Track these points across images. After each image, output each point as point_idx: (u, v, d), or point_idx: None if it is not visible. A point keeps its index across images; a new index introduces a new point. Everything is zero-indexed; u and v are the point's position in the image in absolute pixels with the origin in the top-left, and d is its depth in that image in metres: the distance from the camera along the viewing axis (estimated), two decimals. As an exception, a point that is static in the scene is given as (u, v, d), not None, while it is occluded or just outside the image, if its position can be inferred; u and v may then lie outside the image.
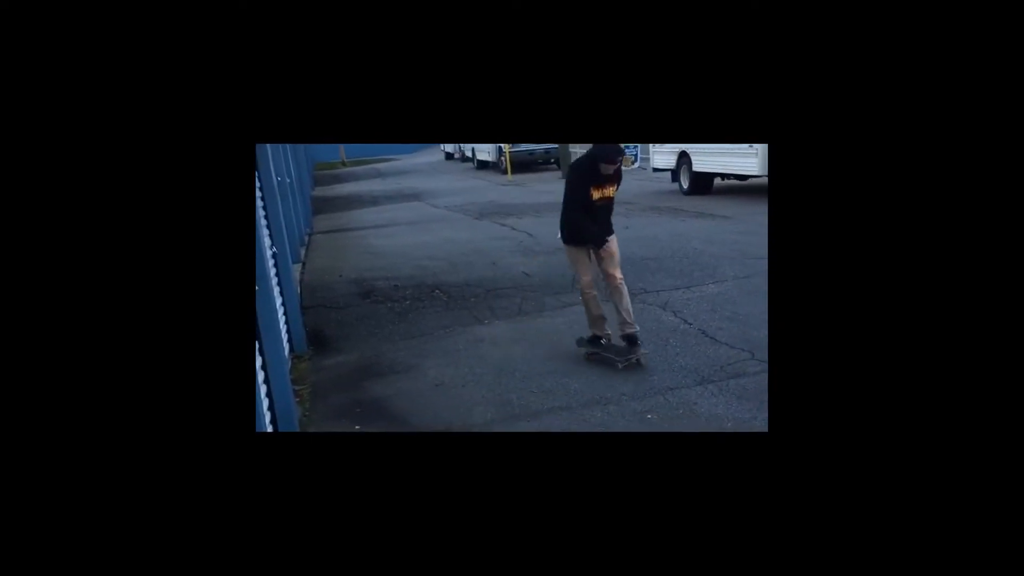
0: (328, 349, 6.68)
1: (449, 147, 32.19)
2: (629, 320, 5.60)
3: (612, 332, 5.80)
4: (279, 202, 7.19)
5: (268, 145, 7.02)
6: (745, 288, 7.40)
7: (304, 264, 10.84)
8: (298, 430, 4.73)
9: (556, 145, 21.31)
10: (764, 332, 5.87)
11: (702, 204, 13.46)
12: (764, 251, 8.61)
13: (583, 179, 5.58)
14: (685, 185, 15.26)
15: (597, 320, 5.81)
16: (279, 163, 9.26)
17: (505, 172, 22.27)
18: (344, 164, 35.07)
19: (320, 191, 22.66)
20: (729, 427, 4.36)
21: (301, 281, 9.42)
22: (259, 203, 5.78)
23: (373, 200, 19.35)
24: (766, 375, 5.00)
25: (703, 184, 14.98)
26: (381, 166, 32.14)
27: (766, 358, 5.33)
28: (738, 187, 15.38)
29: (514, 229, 12.43)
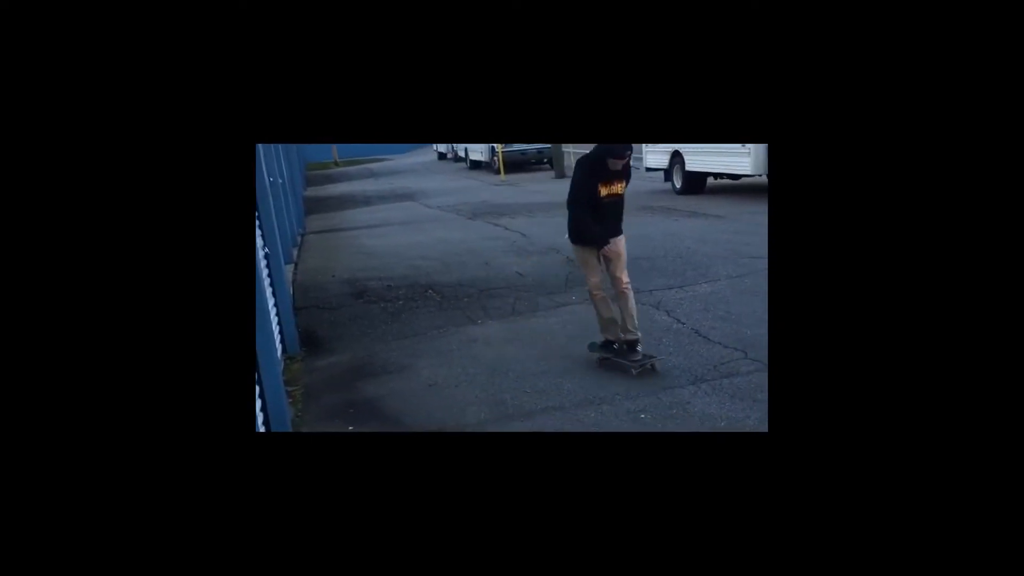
0: (321, 350, 6.67)
1: (442, 147, 32.18)
2: (632, 327, 5.46)
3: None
4: (271, 202, 7.17)
5: (260, 145, 7.00)
6: (738, 287, 7.40)
7: (297, 264, 10.82)
8: (291, 431, 4.72)
9: (549, 145, 21.31)
10: (757, 331, 5.88)
11: (695, 203, 13.48)
12: (757, 250, 8.66)
13: (590, 175, 5.35)
14: (678, 184, 15.27)
15: (608, 324, 5.60)
16: (271, 163, 9.25)
17: (498, 172, 22.26)
18: (336, 164, 35.04)
19: (312, 191, 22.63)
20: (723, 426, 4.36)
21: (294, 282, 9.40)
22: (251, 203, 5.76)
23: (366, 200, 19.32)
24: (759, 374, 5.01)
25: (696, 183, 15.00)
26: (374, 166, 32.12)
27: (759, 357, 5.34)
28: (731, 186, 15.41)
29: (507, 229, 12.42)
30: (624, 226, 5.57)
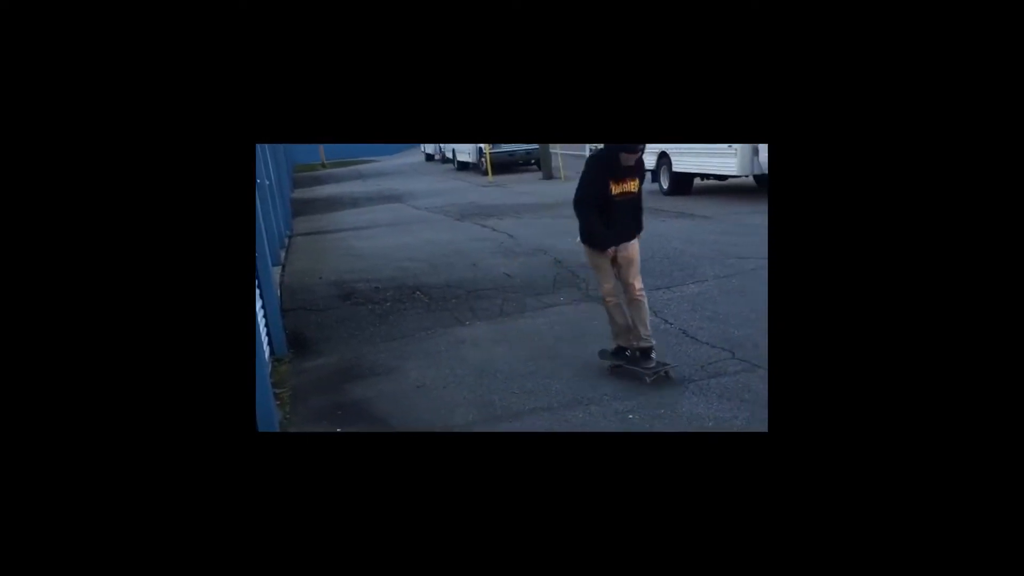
0: (308, 352, 6.65)
1: (430, 148, 32.15)
2: (646, 334, 5.23)
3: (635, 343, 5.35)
4: (258, 204, 7.15)
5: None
6: (725, 288, 7.43)
7: (284, 266, 10.79)
8: (289, 432, 4.71)
9: (536, 146, 21.31)
10: (744, 331, 5.90)
11: (682, 204, 13.51)
12: (744, 251, 8.69)
13: (599, 171, 5.05)
14: (665, 185, 15.30)
15: (622, 331, 5.36)
16: (258, 165, 9.21)
17: (486, 173, 22.26)
18: (324, 166, 34.94)
19: (300, 193, 22.56)
20: (710, 426, 4.37)
21: (281, 284, 9.37)
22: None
23: (353, 202, 19.28)
24: (747, 374, 5.03)
25: (683, 184, 15.03)
26: (361, 167, 32.05)
27: (747, 357, 5.36)
28: (718, 187, 15.45)
29: (495, 230, 12.42)
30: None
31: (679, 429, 4.37)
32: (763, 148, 12.41)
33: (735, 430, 4.25)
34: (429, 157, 32.36)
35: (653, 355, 5.27)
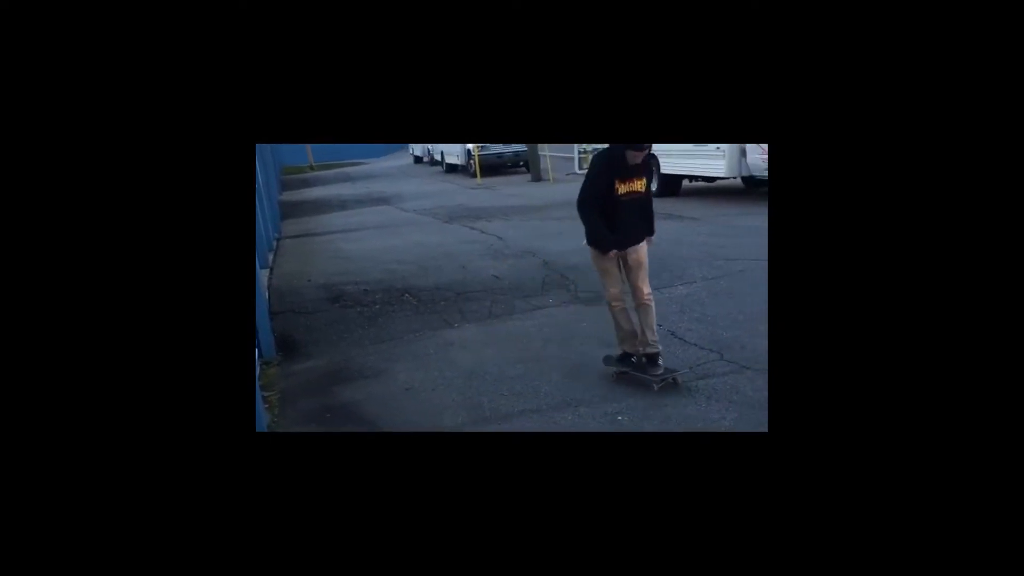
0: (297, 354, 6.63)
1: (418, 150, 32.12)
2: (653, 339, 5.09)
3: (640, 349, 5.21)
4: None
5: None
6: (713, 289, 7.45)
7: (272, 269, 10.76)
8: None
9: (525, 148, 21.33)
10: (732, 333, 5.92)
11: (670, 206, 13.54)
12: (732, 253, 8.72)
13: (604, 170, 4.86)
14: (654, 187, 15.27)
15: (628, 336, 5.22)
16: (246, 167, 9.17)
17: (474, 176, 22.27)
18: (312, 168, 34.87)
19: (288, 195, 22.51)
20: (699, 428, 4.38)
21: (270, 286, 9.35)
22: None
23: (341, 204, 19.25)
24: (735, 376, 5.05)
25: (671, 186, 15.06)
26: (350, 170, 31.99)
27: (735, 359, 5.37)
28: (706, 189, 15.49)
29: (483, 232, 12.43)
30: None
31: (668, 430, 4.38)
32: (751, 150, 12.45)
33: (725, 431, 4.26)
34: (417, 159, 32.33)
35: (660, 361, 5.13)
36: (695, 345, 5.83)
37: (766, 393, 4.67)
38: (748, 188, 14.07)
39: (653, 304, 5.11)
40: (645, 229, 5.16)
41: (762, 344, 5.57)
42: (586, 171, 5.10)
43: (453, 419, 4.83)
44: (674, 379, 5.07)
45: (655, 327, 5.12)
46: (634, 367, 5.22)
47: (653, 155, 15.04)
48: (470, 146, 22.59)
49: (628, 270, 5.10)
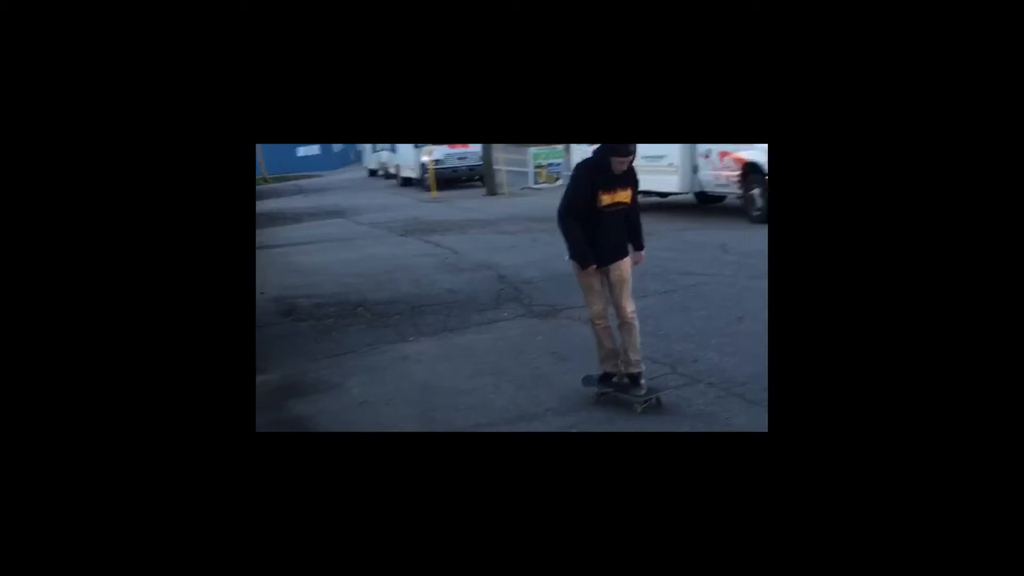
0: (249, 368, 6.55)
1: (373, 164, 31.95)
2: (636, 359, 4.86)
3: (622, 369, 5.00)
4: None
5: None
6: (667, 304, 7.52)
7: (224, 282, 10.61)
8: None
9: (480, 162, 21.35)
10: (685, 347, 5.98)
11: (624, 221, 13.62)
12: (685, 267, 8.82)
13: (587, 179, 4.63)
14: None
15: (609, 355, 5.00)
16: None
17: (429, 189, 22.23)
18: (266, 180, 34.50)
19: (241, 208, 22.23)
20: (652, 441, 4.41)
21: (221, 299, 9.22)
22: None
23: (295, 217, 19.07)
24: (688, 388, 5.10)
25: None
26: (304, 182, 31.73)
27: (687, 372, 5.43)
28: (659, 204, 15.63)
29: (438, 246, 12.41)
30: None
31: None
32: (703, 165, 12.61)
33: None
34: (372, 172, 32.18)
35: (643, 381, 4.89)
36: (648, 359, 5.86)
37: (717, 407, 4.74)
38: (700, 203, 14.23)
39: (637, 322, 4.89)
40: (633, 243, 4.98)
41: (714, 357, 5.64)
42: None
43: (407, 433, 4.81)
44: (658, 400, 4.88)
45: (639, 346, 4.90)
46: (616, 388, 5.00)
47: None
48: (425, 159, 22.54)
49: (611, 286, 4.87)
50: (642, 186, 15.32)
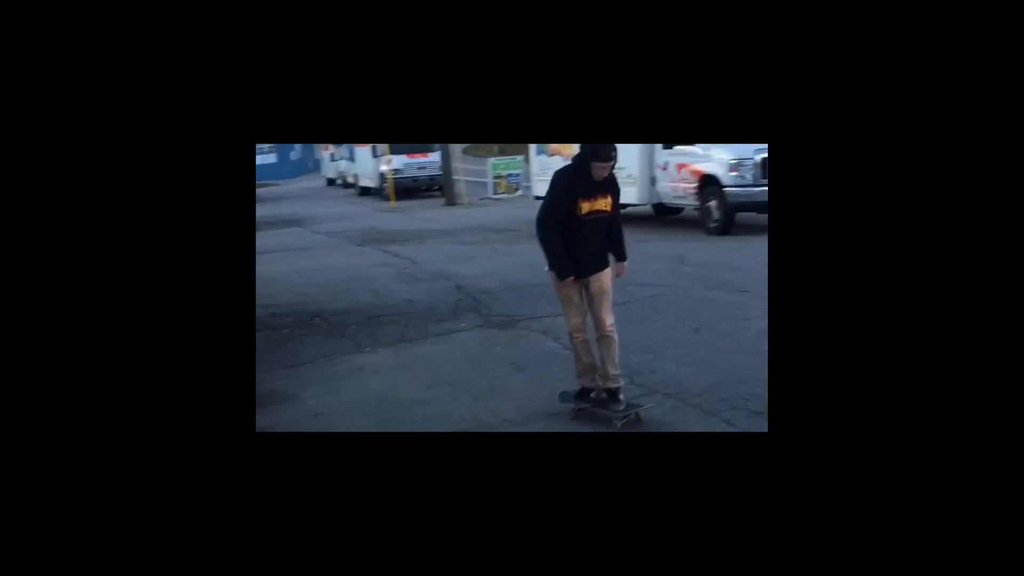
0: (202, 379, 6.46)
1: (331, 173, 31.77)
2: (615, 373, 4.73)
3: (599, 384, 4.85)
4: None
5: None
6: (624, 315, 7.53)
7: (178, 291, 10.46)
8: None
9: (440, 172, 21.34)
10: (642, 358, 6.00)
11: (583, 232, 13.68)
12: (643, 279, 8.86)
13: (566, 186, 4.47)
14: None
15: (587, 370, 4.85)
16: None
17: (388, 199, 22.15)
18: (221, 189, 34.13)
19: (196, 216, 21.97)
20: (609, 451, 4.41)
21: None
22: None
23: (252, 226, 18.89)
24: (644, 398, 5.11)
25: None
26: (260, 191, 31.43)
27: (644, 383, 5.45)
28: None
29: (397, 256, 12.36)
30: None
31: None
32: (661, 176, 12.72)
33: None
34: (331, 182, 31.99)
35: (622, 396, 4.77)
36: (606, 369, 5.88)
37: (674, 417, 4.76)
38: (658, 215, 14.34)
39: (616, 336, 4.76)
40: (615, 253, 4.88)
41: (671, 368, 5.68)
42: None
43: (363, 445, 4.76)
44: (637, 415, 4.74)
45: (617, 360, 4.77)
46: (594, 403, 4.86)
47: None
48: (384, 168, 22.47)
49: (590, 299, 4.73)
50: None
